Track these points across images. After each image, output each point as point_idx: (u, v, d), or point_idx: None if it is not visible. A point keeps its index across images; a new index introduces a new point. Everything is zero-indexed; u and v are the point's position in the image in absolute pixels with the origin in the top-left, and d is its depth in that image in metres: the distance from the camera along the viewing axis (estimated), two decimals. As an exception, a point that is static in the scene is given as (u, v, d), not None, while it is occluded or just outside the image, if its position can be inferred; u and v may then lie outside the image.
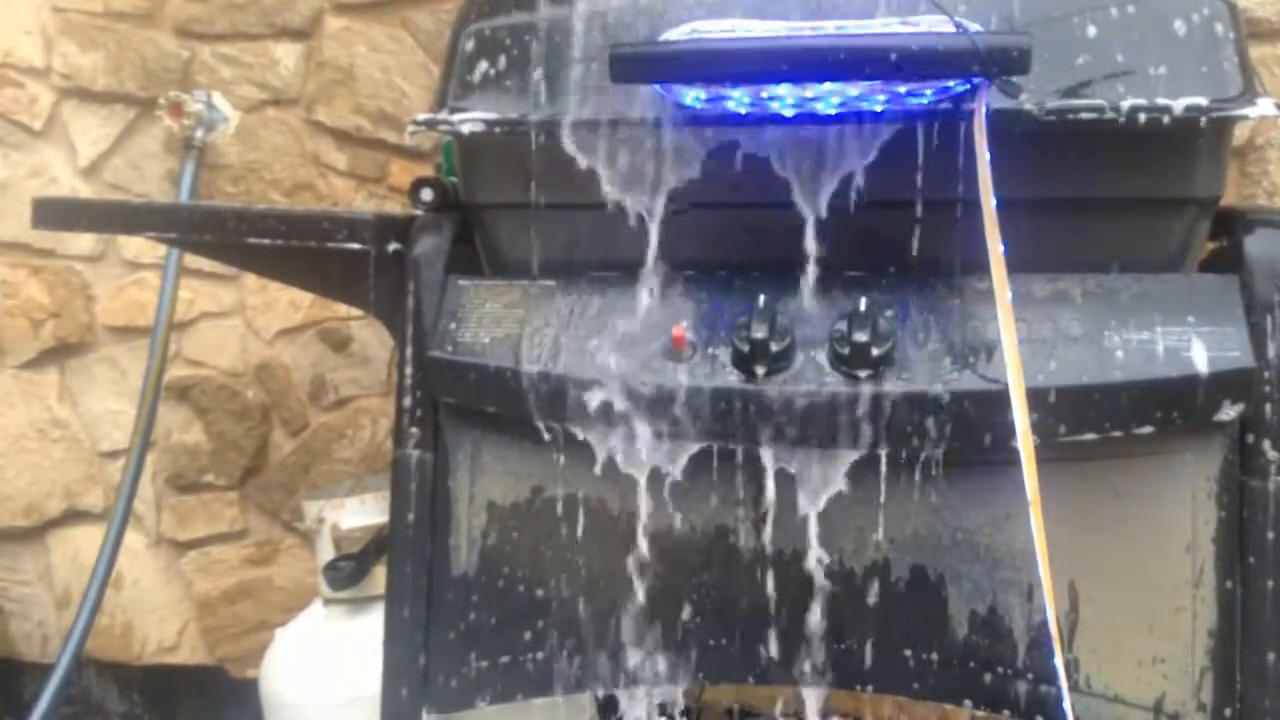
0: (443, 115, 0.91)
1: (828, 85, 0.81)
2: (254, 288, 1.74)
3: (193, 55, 1.69)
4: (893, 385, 0.82)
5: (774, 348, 0.82)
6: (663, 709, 0.98)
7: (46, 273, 1.79)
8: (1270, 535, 0.83)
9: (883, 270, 0.88)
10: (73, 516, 1.86)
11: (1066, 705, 0.81)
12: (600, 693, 0.96)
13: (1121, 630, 0.86)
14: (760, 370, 0.83)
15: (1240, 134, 1.39)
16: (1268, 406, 0.82)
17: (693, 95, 0.84)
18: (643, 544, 0.91)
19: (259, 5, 1.66)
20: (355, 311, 1.64)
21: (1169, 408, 0.81)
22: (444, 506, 0.95)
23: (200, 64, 1.69)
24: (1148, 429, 0.81)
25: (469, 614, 0.95)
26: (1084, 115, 0.81)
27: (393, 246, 0.96)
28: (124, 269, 1.78)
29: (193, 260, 1.67)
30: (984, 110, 0.79)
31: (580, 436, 0.89)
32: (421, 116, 0.92)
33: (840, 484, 0.85)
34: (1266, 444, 0.83)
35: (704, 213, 0.89)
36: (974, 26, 0.80)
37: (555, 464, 0.92)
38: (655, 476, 0.89)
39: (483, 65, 0.92)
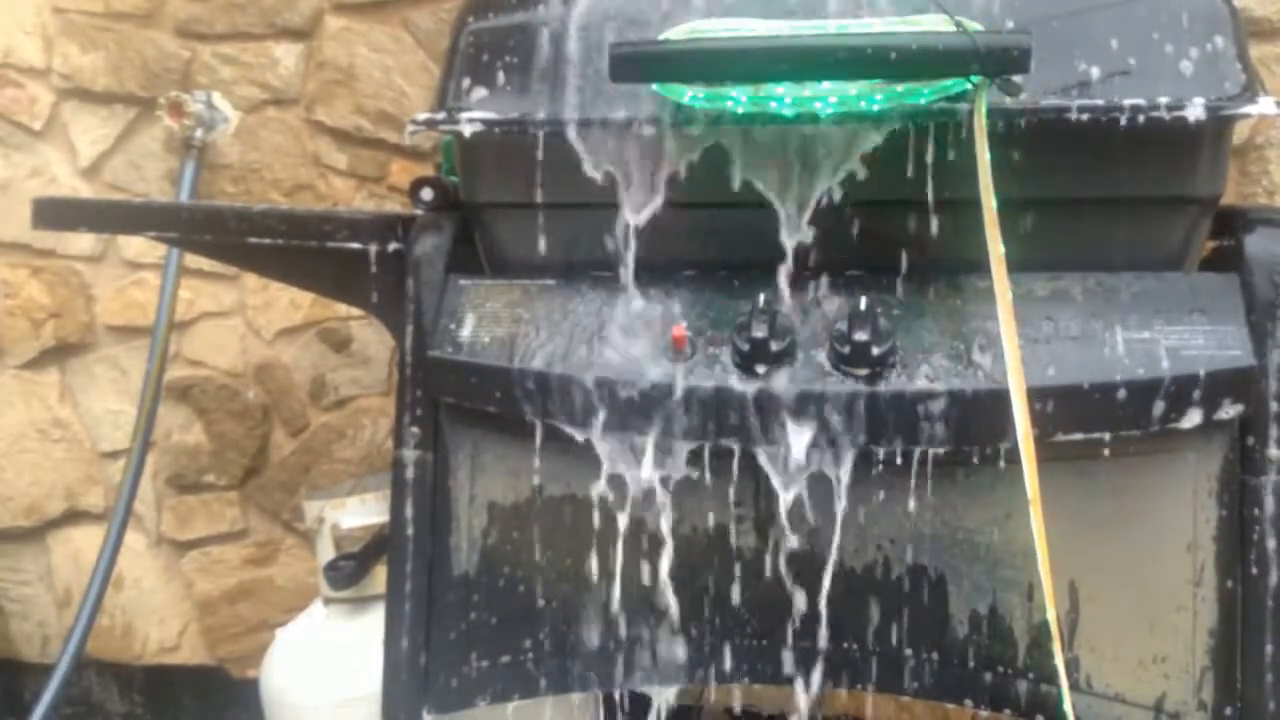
0: (443, 115, 0.91)
1: (827, 85, 0.81)
2: (254, 287, 1.74)
3: (193, 55, 1.69)
4: (893, 384, 0.82)
5: (774, 347, 0.82)
6: (666, 709, 0.98)
7: (47, 273, 1.79)
8: (1271, 534, 0.83)
9: (883, 270, 0.88)
10: (73, 517, 1.86)
11: (1067, 705, 0.81)
12: (603, 692, 0.96)
13: (1122, 629, 0.86)
14: (761, 370, 0.83)
15: (1240, 133, 1.39)
16: (1268, 405, 0.82)
17: (692, 95, 0.84)
18: (643, 544, 0.91)
19: (259, 5, 1.66)
20: (355, 311, 1.64)
21: (1169, 407, 0.81)
22: (444, 506, 0.95)
23: (200, 64, 1.69)
24: (1148, 428, 0.81)
25: (469, 614, 0.95)
26: (1084, 115, 0.81)
27: (393, 246, 0.96)
28: (124, 269, 1.78)
29: (193, 260, 1.67)
30: (984, 109, 0.79)
31: (581, 436, 0.89)
32: (421, 116, 0.92)
33: (841, 483, 0.85)
34: (1266, 443, 0.83)
35: (704, 212, 0.89)
36: (974, 26, 0.80)
37: (556, 464, 0.92)
38: (655, 476, 0.89)
39: (483, 65, 0.92)
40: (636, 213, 0.89)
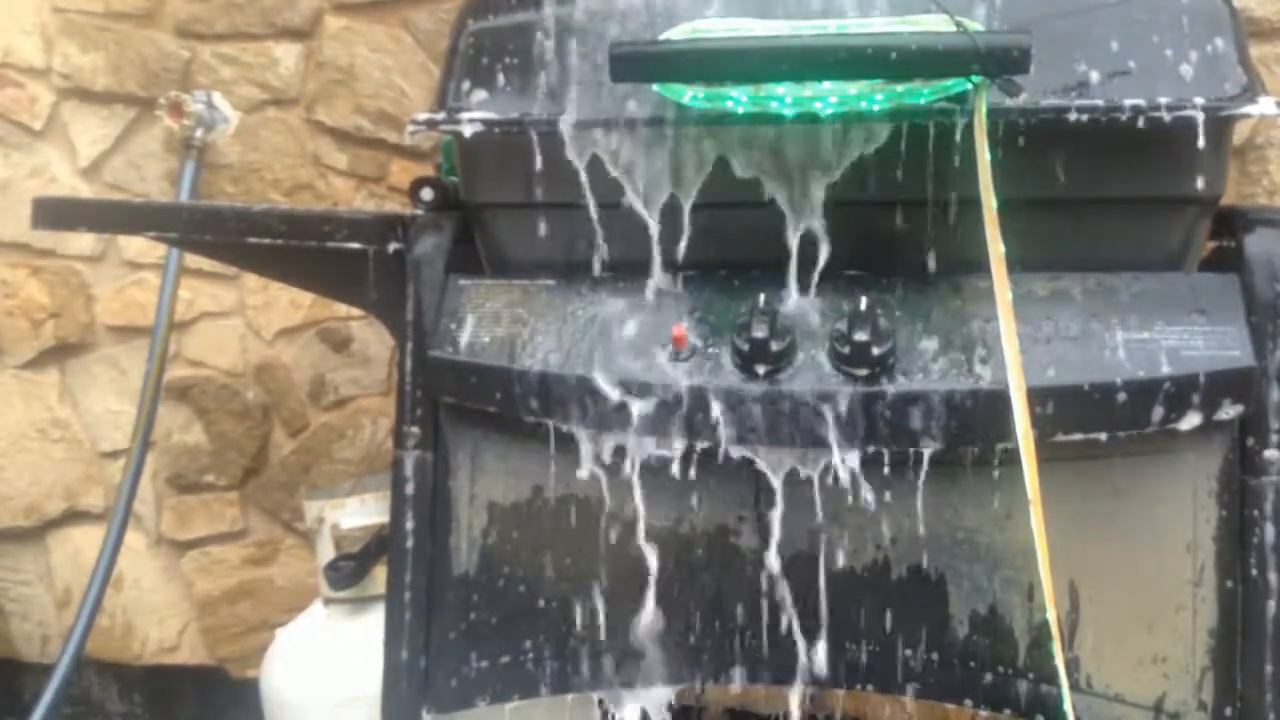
0: (443, 115, 0.91)
1: (827, 85, 0.81)
2: (254, 287, 1.74)
3: (193, 55, 1.69)
4: (893, 385, 0.82)
5: (774, 347, 0.82)
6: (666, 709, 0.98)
7: (47, 273, 1.79)
8: (1271, 534, 0.83)
9: (883, 270, 0.88)
10: (73, 516, 1.86)
11: (1067, 705, 0.81)
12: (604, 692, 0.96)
13: (1122, 629, 0.86)
14: (761, 370, 0.83)
15: (1240, 133, 1.39)
16: (1268, 406, 0.82)
17: (692, 95, 0.84)
18: (643, 544, 0.91)
19: (259, 5, 1.66)
20: (356, 311, 1.64)
21: (1169, 407, 0.81)
22: (444, 506, 0.95)
23: (200, 64, 1.69)
24: (1148, 428, 0.81)
25: (469, 614, 0.95)
26: (1084, 115, 0.81)
27: (393, 246, 0.96)
28: (124, 269, 1.78)
29: (193, 260, 1.67)
30: (984, 109, 0.79)
31: (580, 436, 0.89)
32: (422, 116, 0.92)
33: (841, 483, 0.85)
34: (1266, 444, 0.83)
35: (704, 212, 0.89)
36: (974, 26, 0.80)
37: (556, 464, 0.92)
38: (655, 476, 0.89)
39: (483, 65, 0.92)
40: (635, 213, 0.89)
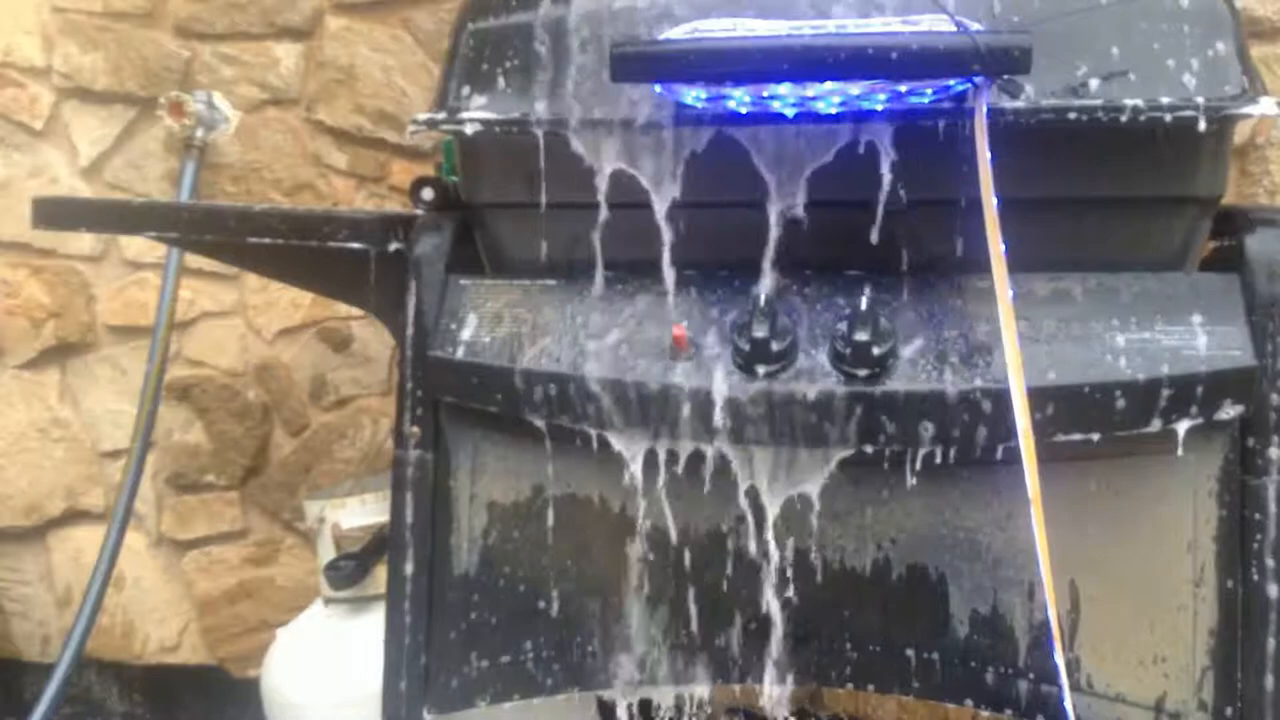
0: (443, 115, 0.91)
1: (828, 84, 0.81)
2: (255, 287, 1.74)
3: (193, 55, 1.69)
4: (894, 385, 0.82)
5: (775, 347, 0.82)
6: (663, 709, 0.98)
7: (47, 272, 1.79)
8: (1271, 534, 0.83)
9: (883, 270, 0.88)
10: (73, 516, 1.86)
11: (1067, 704, 0.81)
12: (602, 693, 0.96)
13: (1123, 629, 0.86)
14: (761, 370, 0.83)
15: (1241, 133, 1.39)
16: (1269, 406, 0.82)
17: (693, 95, 0.84)
18: (643, 544, 0.91)
19: (259, 5, 1.66)
20: (356, 311, 1.64)
21: (1169, 407, 0.81)
22: (444, 506, 0.95)
23: (201, 64, 1.69)
24: (1148, 428, 0.81)
25: (469, 614, 0.95)
26: (1085, 115, 0.81)
27: (393, 246, 0.96)
28: (124, 269, 1.78)
29: (193, 260, 1.67)
30: (985, 109, 0.79)
31: (581, 436, 0.89)
32: (422, 116, 0.92)
33: (841, 483, 0.85)
34: (1267, 443, 0.83)
35: (705, 212, 0.89)
36: (975, 25, 0.80)
37: (556, 464, 0.92)
38: (656, 476, 0.89)
39: (483, 65, 0.92)
40: (636, 213, 0.89)
